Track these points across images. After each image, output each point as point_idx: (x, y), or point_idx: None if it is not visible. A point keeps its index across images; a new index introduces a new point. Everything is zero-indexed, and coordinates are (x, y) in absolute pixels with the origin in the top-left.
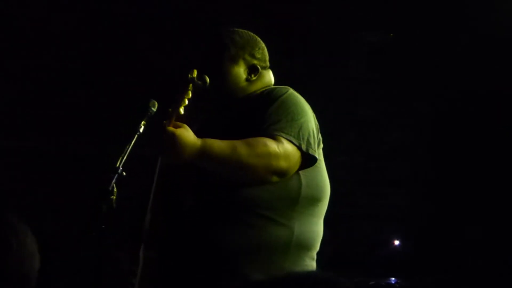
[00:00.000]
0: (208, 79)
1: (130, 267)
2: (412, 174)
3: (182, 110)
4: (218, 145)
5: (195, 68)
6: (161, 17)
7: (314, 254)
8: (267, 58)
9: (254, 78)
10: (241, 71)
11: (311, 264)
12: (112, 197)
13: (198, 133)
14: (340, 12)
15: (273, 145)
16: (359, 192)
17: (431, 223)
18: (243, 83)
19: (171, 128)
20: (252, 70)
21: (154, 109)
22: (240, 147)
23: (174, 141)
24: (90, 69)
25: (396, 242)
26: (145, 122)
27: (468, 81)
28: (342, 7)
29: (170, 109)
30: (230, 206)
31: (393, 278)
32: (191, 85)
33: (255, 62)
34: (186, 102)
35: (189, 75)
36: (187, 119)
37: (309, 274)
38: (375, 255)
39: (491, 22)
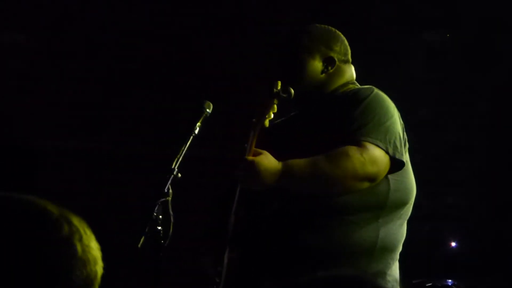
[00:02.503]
0: (292, 91)
1: (215, 269)
2: (471, 175)
3: (267, 123)
4: (299, 165)
5: (273, 74)
6: (223, 17)
7: (397, 255)
8: (348, 52)
9: (331, 70)
10: (317, 63)
11: (394, 265)
12: (168, 198)
13: (279, 135)
14: (399, 11)
15: (356, 154)
16: (419, 192)
17: (490, 223)
18: (321, 76)
19: (251, 158)
20: (329, 62)
21: (210, 111)
22: (322, 163)
23: (255, 170)
24: (148, 70)
25: (453, 244)
26: (200, 124)
27: None
28: (400, 7)
29: (254, 120)
30: (316, 211)
31: (449, 280)
32: (276, 99)
33: (332, 54)
34: (272, 116)
35: (274, 90)
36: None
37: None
38: (433, 256)
39: None
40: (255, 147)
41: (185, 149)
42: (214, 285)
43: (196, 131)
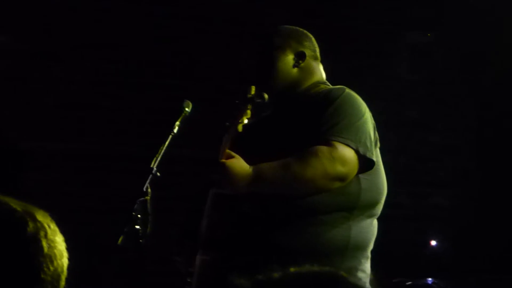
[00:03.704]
0: (266, 96)
1: (187, 269)
2: (455, 175)
3: (240, 128)
4: (269, 168)
5: (244, 75)
6: (207, 19)
7: (369, 253)
8: (317, 50)
9: (302, 64)
10: (288, 58)
11: (366, 263)
12: (146, 197)
13: (251, 136)
14: (384, 12)
15: (326, 154)
16: (397, 192)
17: (473, 224)
18: (293, 71)
19: (224, 162)
20: (300, 56)
21: (189, 110)
22: (292, 165)
23: (228, 174)
24: (126, 71)
25: (433, 243)
26: (179, 123)
27: None
28: (386, 7)
29: (228, 124)
30: (288, 212)
31: (429, 279)
32: (250, 104)
33: (302, 48)
34: (245, 121)
35: (248, 95)
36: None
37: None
38: (414, 256)
39: None
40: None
41: (164, 148)
42: (186, 286)
43: (175, 130)
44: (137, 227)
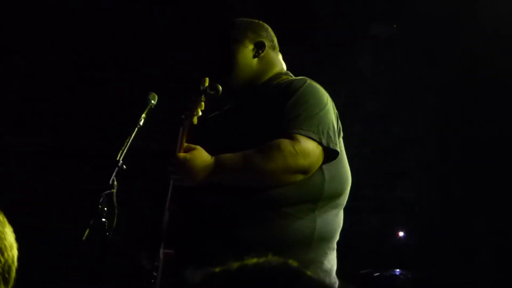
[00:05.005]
0: (220, 88)
1: (152, 264)
2: (419, 167)
3: (195, 120)
4: (231, 159)
5: (203, 69)
6: (171, 12)
7: (334, 244)
8: (275, 39)
9: (262, 54)
10: (247, 49)
11: (332, 254)
12: (112, 190)
13: (213, 129)
14: (347, 4)
15: (288, 147)
16: (365, 184)
17: (436, 215)
18: (253, 62)
19: (182, 155)
20: (259, 46)
21: (154, 102)
22: (254, 157)
23: (187, 166)
24: (90, 64)
25: (401, 234)
26: (145, 115)
27: (476, 73)
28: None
29: (183, 116)
30: (252, 204)
31: (398, 270)
32: (203, 96)
33: (260, 38)
34: (200, 113)
35: (201, 87)
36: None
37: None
38: (381, 247)
39: (497, 14)
40: (186, 143)
41: (130, 140)
42: (152, 279)
43: (141, 123)
44: (104, 220)
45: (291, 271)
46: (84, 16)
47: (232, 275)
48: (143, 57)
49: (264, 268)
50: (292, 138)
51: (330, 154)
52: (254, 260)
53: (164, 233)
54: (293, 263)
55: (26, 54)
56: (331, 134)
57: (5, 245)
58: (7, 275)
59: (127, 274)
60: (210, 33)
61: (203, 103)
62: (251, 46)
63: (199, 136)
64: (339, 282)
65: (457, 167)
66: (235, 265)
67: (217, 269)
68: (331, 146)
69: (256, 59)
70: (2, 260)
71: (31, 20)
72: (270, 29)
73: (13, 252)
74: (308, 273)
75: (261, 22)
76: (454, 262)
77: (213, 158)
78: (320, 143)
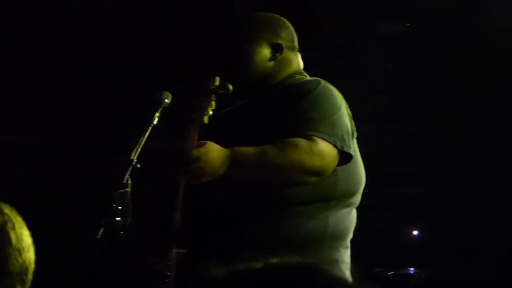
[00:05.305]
0: (231, 87)
1: (164, 263)
2: (430, 165)
3: (206, 120)
4: (247, 152)
5: (214, 67)
6: (176, 10)
7: (348, 242)
8: (295, 39)
9: (279, 57)
10: (264, 51)
11: (345, 252)
12: (126, 189)
13: (224, 125)
14: (356, 2)
15: (305, 146)
16: (378, 182)
17: (450, 213)
18: (269, 64)
19: (196, 151)
20: (277, 48)
21: (168, 101)
22: (271, 152)
23: (203, 162)
24: (90, 64)
25: (415, 232)
26: (159, 114)
27: (487, 71)
28: None
29: (194, 116)
30: (264, 203)
31: (411, 268)
32: (213, 95)
33: (279, 40)
34: (210, 112)
35: (211, 86)
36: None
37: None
38: (394, 246)
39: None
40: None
41: (144, 139)
42: (166, 279)
43: (155, 122)
44: (118, 219)
45: (312, 268)
46: (84, 16)
47: (258, 272)
48: (144, 57)
49: (288, 266)
50: (309, 139)
51: (344, 157)
52: (277, 259)
53: (177, 232)
54: (317, 262)
55: (26, 54)
56: (346, 137)
57: (23, 246)
58: (24, 277)
59: (138, 274)
60: (223, 28)
61: (213, 103)
62: (268, 49)
63: (209, 133)
64: (353, 281)
65: (467, 165)
66: (258, 264)
67: (241, 266)
68: (345, 149)
69: (272, 61)
70: (20, 260)
71: (31, 20)
72: (291, 26)
73: (30, 254)
74: (332, 272)
75: (282, 18)
76: (468, 261)
77: (228, 150)
78: (335, 146)
